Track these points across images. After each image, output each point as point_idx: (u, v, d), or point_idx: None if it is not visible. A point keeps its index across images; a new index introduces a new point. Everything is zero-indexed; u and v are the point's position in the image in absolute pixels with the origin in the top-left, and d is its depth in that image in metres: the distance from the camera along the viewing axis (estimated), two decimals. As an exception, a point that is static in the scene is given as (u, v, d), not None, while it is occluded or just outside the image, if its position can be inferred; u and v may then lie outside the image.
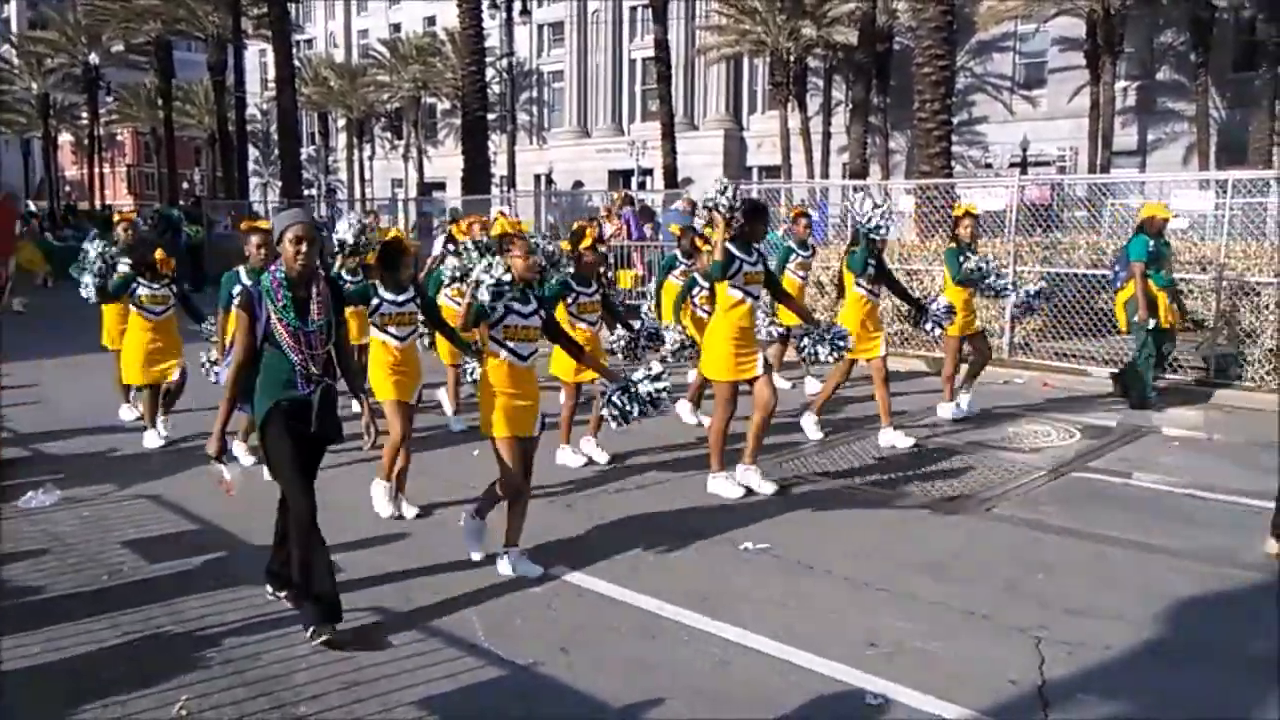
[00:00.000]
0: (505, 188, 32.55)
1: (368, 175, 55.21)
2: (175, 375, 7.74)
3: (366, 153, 55.80)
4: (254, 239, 6.25)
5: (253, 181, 46.55)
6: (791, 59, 34.88)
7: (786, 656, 4.05)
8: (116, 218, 8.95)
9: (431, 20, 50.91)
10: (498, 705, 3.71)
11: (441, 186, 46.41)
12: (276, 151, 40.20)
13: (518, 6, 32.91)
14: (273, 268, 4.18)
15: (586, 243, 6.78)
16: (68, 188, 64.78)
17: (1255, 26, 27.74)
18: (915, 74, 16.61)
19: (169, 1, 38.03)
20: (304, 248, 4.08)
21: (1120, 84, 30.31)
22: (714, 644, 4.20)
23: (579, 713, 3.68)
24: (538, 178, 44.99)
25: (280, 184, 29.97)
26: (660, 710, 3.66)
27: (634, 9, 44.09)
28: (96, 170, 51.10)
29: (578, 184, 40.58)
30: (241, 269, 6.65)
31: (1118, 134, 29.78)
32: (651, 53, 33.69)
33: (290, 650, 4.09)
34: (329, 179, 56.15)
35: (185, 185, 49.79)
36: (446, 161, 45.94)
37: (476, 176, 23.00)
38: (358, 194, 52.67)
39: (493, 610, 4.54)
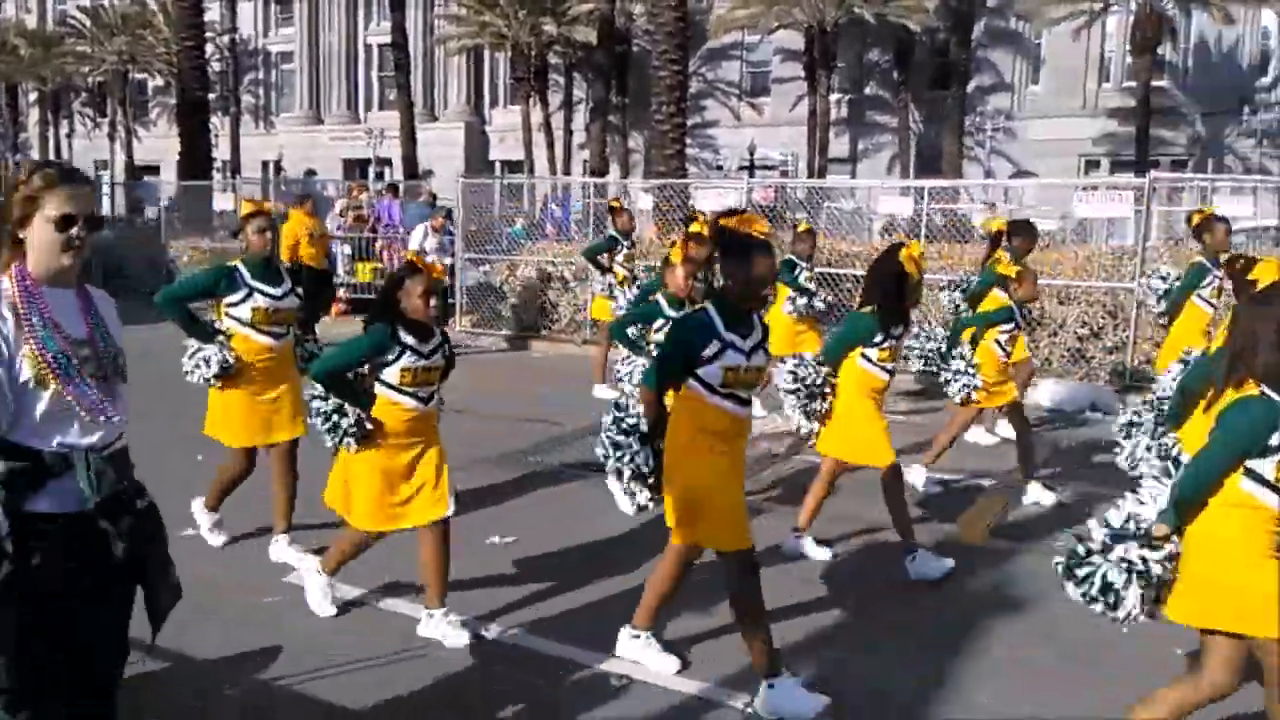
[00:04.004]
0: (228, 173, 30.52)
1: (65, 155, 49.90)
2: (450, 508, 4.18)
3: (64, 130, 50.44)
4: (759, 262, 3.53)
5: (-78, 157, 40.86)
6: (533, 54, 35.05)
7: (558, 653, 4.12)
8: (248, 207, 5.37)
9: (141, -12, 46.73)
10: None
11: (155, 170, 42.77)
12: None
13: (241, -19, 30.91)
14: None
15: (679, 256, 5.69)
16: None
17: (948, 49, 30.91)
18: (652, 77, 17.22)
19: None
20: None
21: (834, 96, 32.79)
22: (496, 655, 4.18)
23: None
24: (265, 164, 42.46)
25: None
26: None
27: (369, -8, 42.63)
28: None
29: (310, 172, 38.69)
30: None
31: (833, 142, 32.21)
32: (389, 39, 32.72)
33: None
34: (17, 158, 50.27)
35: None
36: (160, 143, 42.38)
37: (195, 160, 21.40)
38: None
39: (227, 625, 4.28)
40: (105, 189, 27.98)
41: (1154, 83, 28.35)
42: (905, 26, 29.92)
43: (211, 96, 27.00)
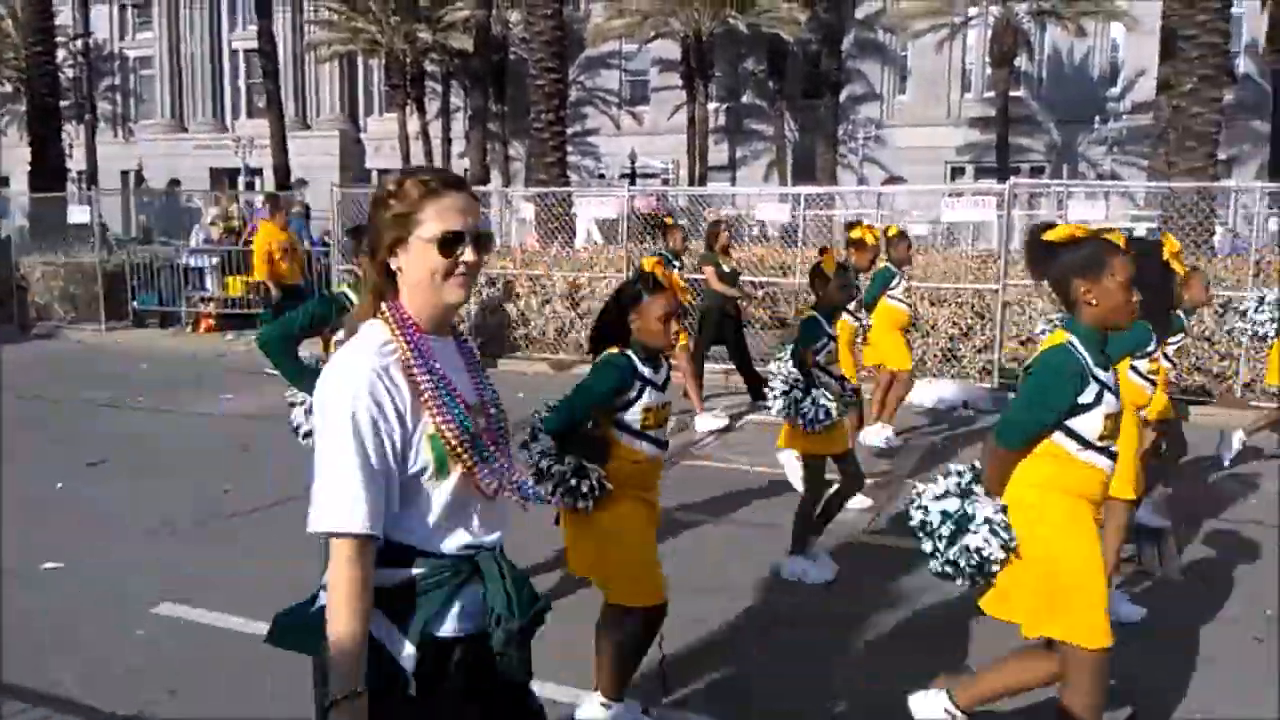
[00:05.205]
0: (84, 184, 29.01)
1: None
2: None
3: (-100, 139, 47.05)
4: (1124, 267, 2.85)
5: None
6: (408, 61, 34.46)
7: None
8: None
9: (-16, -11, 43.99)
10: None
11: (4, 182, 40.34)
12: None
13: (95, -18, 29.41)
14: None
15: (831, 265, 5.07)
16: None
17: (820, 59, 31.74)
18: (530, 85, 17.09)
19: None
20: None
21: (712, 105, 33.30)
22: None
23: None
24: (125, 174, 40.54)
25: None
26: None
27: (234, -5, 41.18)
28: None
29: (174, 183, 37.09)
30: None
31: (712, 150, 32.68)
32: (256, 44, 31.63)
33: None
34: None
35: None
36: (9, 154, 39.98)
37: (47, 171, 20.26)
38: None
39: (87, 660, 4.02)
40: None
41: (1012, 93, 29.74)
42: (779, 37, 30.59)
43: (65, 104, 25.62)
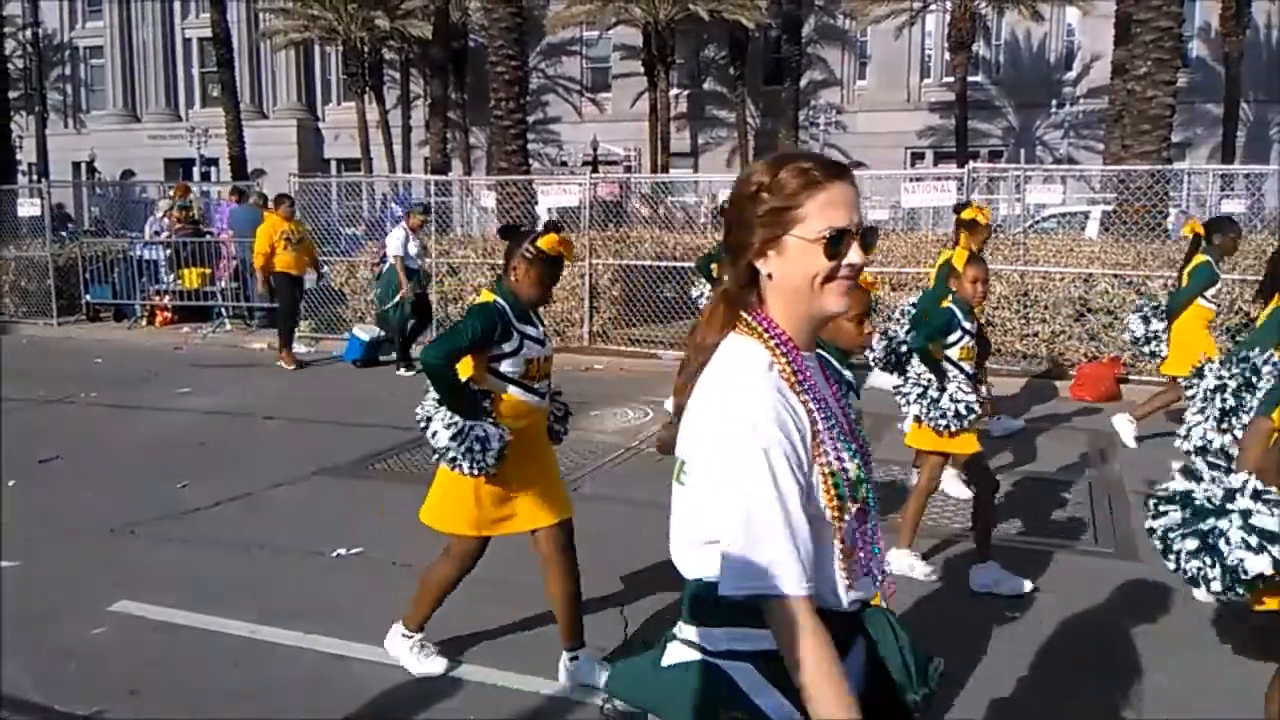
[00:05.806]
0: (35, 176, 28.42)
1: None
2: None
3: None
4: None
5: None
6: (366, 49, 34.06)
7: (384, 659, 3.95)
8: (554, 246, 3.64)
9: (-74, -24, 42.87)
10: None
11: (-49, 174, 39.43)
12: None
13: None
14: None
15: (962, 258, 4.65)
16: None
17: (781, 45, 31.75)
18: (490, 72, 16.93)
19: None
20: None
21: (674, 91, 33.21)
22: (308, 659, 3.99)
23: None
24: (76, 165, 39.75)
25: None
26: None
27: (186, -17, 40.42)
28: None
29: (128, 173, 36.42)
30: None
31: (674, 137, 32.62)
32: (209, 32, 31.06)
33: None
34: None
35: None
36: (-44, 145, 39.02)
37: (-3, 162, 19.85)
38: None
39: (44, 659, 3.96)
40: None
41: (970, 78, 29.95)
42: (740, 23, 30.57)
43: (14, 95, 25.08)
